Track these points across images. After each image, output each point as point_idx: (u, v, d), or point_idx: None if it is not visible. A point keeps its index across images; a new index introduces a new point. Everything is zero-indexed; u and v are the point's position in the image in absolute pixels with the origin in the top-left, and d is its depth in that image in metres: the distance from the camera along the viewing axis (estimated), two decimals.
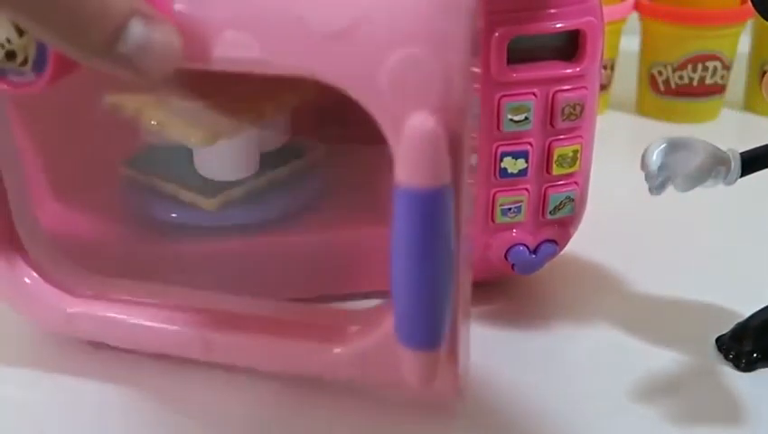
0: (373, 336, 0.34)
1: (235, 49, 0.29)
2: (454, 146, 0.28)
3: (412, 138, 0.27)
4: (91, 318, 0.38)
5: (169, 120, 0.40)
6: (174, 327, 0.37)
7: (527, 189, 0.39)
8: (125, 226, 0.44)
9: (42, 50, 0.31)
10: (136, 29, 0.25)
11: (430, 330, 0.31)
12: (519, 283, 0.45)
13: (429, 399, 0.37)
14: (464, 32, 0.27)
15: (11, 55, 0.31)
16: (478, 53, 0.33)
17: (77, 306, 0.38)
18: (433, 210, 0.28)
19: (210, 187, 0.42)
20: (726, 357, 0.39)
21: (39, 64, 0.31)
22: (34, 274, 0.38)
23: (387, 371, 0.33)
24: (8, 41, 0.31)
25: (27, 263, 0.38)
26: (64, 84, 0.32)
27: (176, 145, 0.44)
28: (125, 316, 0.38)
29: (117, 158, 0.45)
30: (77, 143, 0.44)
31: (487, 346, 0.41)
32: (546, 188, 0.39)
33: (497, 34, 0.35)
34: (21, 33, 0.30)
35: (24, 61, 0.31)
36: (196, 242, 0.42)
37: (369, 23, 0.27)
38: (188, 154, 0.43)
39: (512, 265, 0.40)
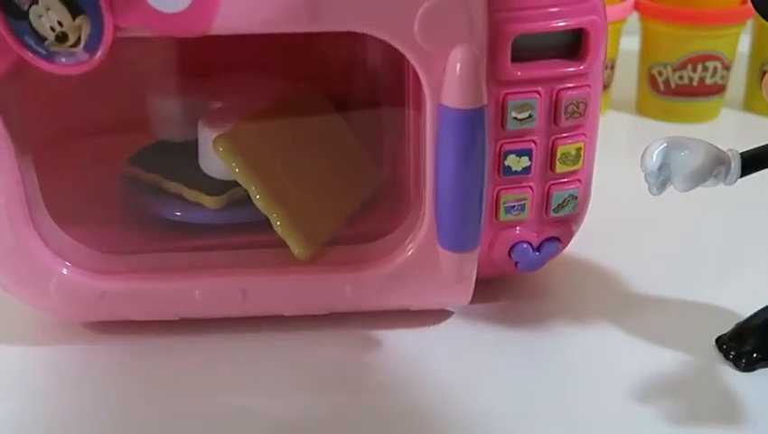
0: (395, 262, 0.39)
1: (283, 10, 0.32)
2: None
3: (461, 68, 0.33)
4: (126, 294, 0.39)
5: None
6: (211, 284, 0.39)
7: (530, 187, 0.39)
8: (127, 224, 0.44)
9: (95, 31, 0.32)
10: None
11: (470, 232, 0.37)
12: (521, 280, 0.45)
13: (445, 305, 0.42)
14: None
15: (61, 38, 0.32)
16: None
17: (112, 285, 0.39)
18: (476, 127, 0.34)
19: (215, 186, 0.43)
20: (726, 357, 0.39)
21: (92, 44, 0.32)
22: (67, 262, 0.38)
23: (410, 288, 0.39)
24: (60, 23, 0.32)
25: (57, 254, 0.38)
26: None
27: (181, 142, 0.44)
28: (162, 285, 0.39)
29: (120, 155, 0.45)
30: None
31: (488, 343, 0.41)
32: (549, 186, 0.39)
33: (501, 33, 0.35)
34: (74, 15, 0.31)
35: (76, 43, 0.32)
36: (200, 240, 0.42)
37: None
38: (193, 152, 0.44)
39: (516, 262, 0.40)
